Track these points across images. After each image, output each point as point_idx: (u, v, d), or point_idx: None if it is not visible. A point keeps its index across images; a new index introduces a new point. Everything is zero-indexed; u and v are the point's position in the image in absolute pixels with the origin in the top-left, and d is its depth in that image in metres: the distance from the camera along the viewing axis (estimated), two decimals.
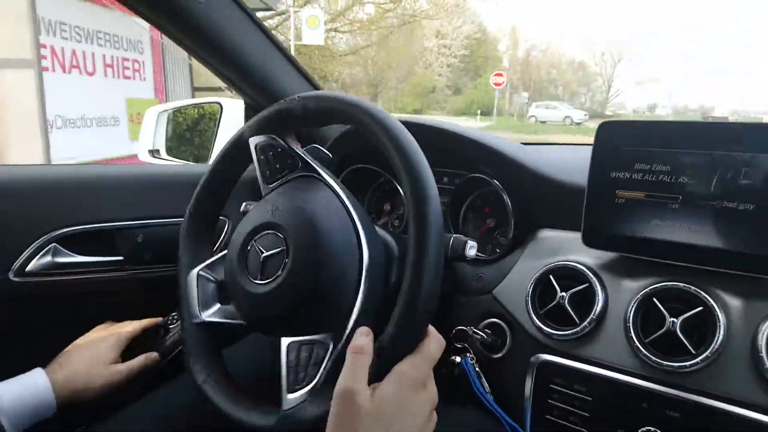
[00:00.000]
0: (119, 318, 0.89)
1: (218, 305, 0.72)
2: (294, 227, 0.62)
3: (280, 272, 0.61)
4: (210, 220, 0.79)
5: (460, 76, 34.44)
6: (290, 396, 0.57)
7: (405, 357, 0.52)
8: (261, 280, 0.63)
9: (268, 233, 0.64)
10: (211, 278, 0.73)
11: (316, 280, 0.60)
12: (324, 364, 0.57)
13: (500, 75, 23.33)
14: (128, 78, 6.73)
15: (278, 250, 0.62)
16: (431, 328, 0.55)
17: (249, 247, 0.65)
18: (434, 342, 0.55)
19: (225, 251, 0.70)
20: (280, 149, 0.69)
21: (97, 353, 0.79)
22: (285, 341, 0.59)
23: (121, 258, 0.98)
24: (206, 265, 0.73)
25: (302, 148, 0.70)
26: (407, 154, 0.57)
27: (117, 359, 0.80)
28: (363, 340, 0.53)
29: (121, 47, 6.54)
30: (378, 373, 0.52)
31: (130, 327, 0.85)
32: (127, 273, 0.99)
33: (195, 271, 0.72)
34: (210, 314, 0.70)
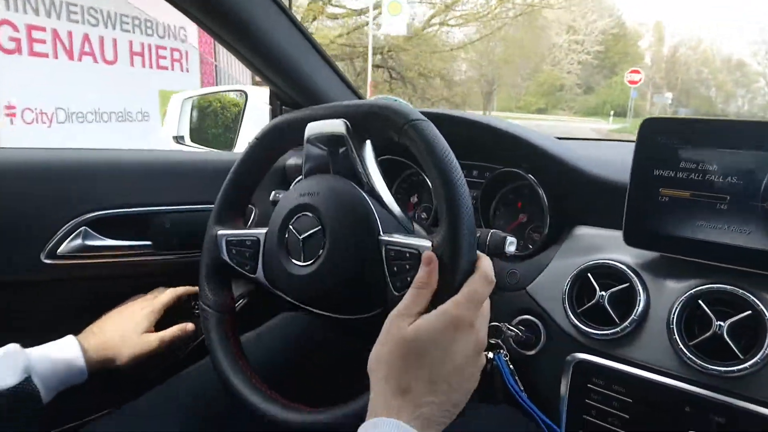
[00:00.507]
0: None
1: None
2: (329, 209, 0.65)
3: (321, 251, 0.64)
4: (247, 192, 0.81)
5: (592, 73, 31.61)
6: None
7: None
8: (303, 261, 0.64)
9: (304, 215, 0.66)
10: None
11: (355, 258, 0.62)
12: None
13: (637, 72, 21.24)
14: (164, 68, 6.08)
15: (316, 230, 0.64)
16: (478, 266, 0.55)
17: (287, 230, 0.68)
18: (479, 281, 0.53)
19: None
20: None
21: (130, 321, 0.78)
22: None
23: (149, 243, 0.98)
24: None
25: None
26: (436, 153, 0.57)
27: (150, 328, 0.79)
28: (425, 273, 0.53)
29: (156, 34, 5.89)
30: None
31: (165, 297, 0.85)
32: (156, 258, 0.99)
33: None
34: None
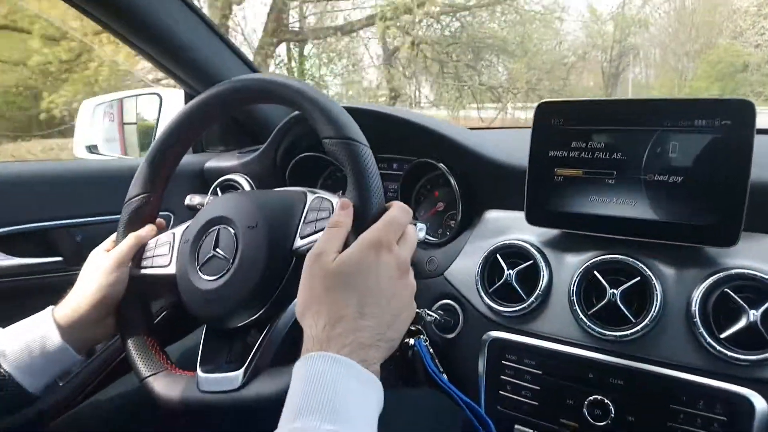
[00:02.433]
0: None
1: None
2: (239, 213, 0.63)
3: (233, 261, 0.62)
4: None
5: None
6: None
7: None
8: (210, 276, 0.62)
9: (219, 228, 0.65)
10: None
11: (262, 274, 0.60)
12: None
13: None
14: None
15: (228, 242, 0.63)
16: (396, 202, 0.57)
17: (200, 243, 0.65)
18: (396, 208, 0.55)
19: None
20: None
21: (91, 266, 0.69)
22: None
23: (60, 258, 0.94)
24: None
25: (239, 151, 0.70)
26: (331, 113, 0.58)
27: (116, 268, 0.69)
28: (341, 215, 0.54)
29: None
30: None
31: (129, 240, 0.72)
32: (69, 273, 0.95)
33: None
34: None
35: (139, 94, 1.33)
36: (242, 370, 0.59)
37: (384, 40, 8.91)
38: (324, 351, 0.47)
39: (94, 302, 0.66)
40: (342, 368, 0.46)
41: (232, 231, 0.63)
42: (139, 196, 0.72)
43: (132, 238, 0.71)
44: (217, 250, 0.63)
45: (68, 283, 0.93)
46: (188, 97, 1.24)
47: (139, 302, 0.71)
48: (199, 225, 0.66)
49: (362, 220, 0.54)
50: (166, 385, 0.63)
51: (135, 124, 1.35)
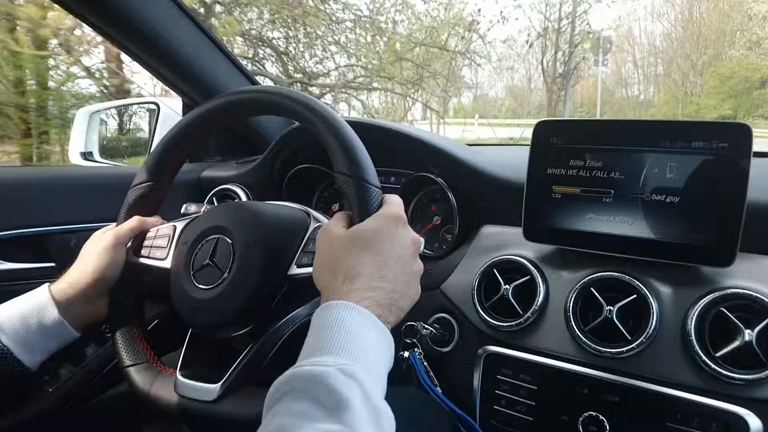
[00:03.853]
0: None
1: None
2: (238, 224, 0.64)
3: (226, 275, 0.61)
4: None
5: None
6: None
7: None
8: (203, 285, 0.62)
9: (218, 237, 0.65)
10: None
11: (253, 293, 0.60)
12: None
13: None
14: None
15: (223, 251, 0.63)
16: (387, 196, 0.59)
17: (197, 249, 0.65)
18: (392, 197, 0.59)
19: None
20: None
21: (91, 245, 0.69)
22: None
23: (53, 264, 0.93)
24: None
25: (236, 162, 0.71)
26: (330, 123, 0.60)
27: (115, 249, 0.69)
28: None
29: None
30: None
31: (131, 222, 0.72)
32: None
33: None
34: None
35: (136, 103, 1.33)
36: (220, 384, 0.59)
37: None
38: (344, 300, 0.48)
39: (90, 279, 0.66)
40: (362, 317, 0.47)
41: (230, 242, 0.63)
42: (146, 183, 0.72)
43: (135, 221, 0.71)
44: (213, 259, 0.63)
45: None
46: (186, 107, 1.24)
47: (131, 291, 0.71)
48: (200, 230, 0.66)
49: (368, 201, 0.57)
50: (144, 378, 0.63)
51: (130, 131, 1.35)
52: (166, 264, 0.68)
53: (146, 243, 0.71)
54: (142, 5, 0.88)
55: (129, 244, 0.71)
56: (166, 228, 0.71)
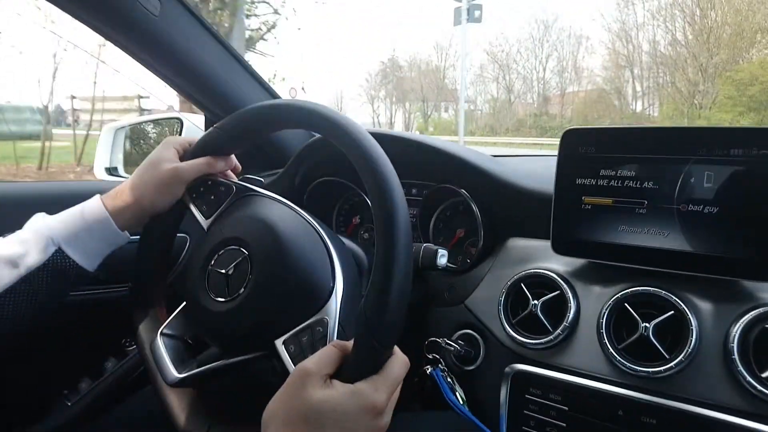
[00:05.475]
0: (71, 345, 0.84)
1: (194, 361, 0.65)
2: (257, 239, 0.61)
3: (243, 289, 0.60)
4: (159, 278, 0.75)
5: None
6: None
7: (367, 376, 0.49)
8: (224, 297, 0.61)
9: (229, 249, 0.63)
10: (176, 335, 0.67)
11: (282, 293, 0.58)
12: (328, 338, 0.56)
13: None
14: None
15: (240, 264, 0.61)
16: (397, 349, 0.52)
17: (210, 266, 0.63)
18: (398, 363, 0.52)
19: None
20: (210, 182, 0.70)
21: (154, 171, 0.70)
22: (279, 341, 0.58)
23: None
24: (168, 324, 0.67)
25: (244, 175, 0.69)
26: (372, 160, 0.55)
27: (173, 169, 0.70)
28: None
29: None
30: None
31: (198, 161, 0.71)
32: (78, 295, 0.94)
33: (158, 334, 0.66)
34: (189, 371, 0.64)
35: (161, 119, 1.34)
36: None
37: None
38: None
39: (141, 208, 0.69)
40: None
41: (247, 257, 0.61)
42: (217, 131, 0.70)
43: (204, 163, 0.70)
44: (229, 270, 0.62)
45: (76, 303, 0.93)
46: (208, 122, 1.24)
47: (164, 239, 0.73)
48: (230, 233, 0.64)
49: (371, 355, 0.50)
50: (147, 328, 0.68)
51: (154, 147, 1.36)
52: (205, 224, 0.68)
53: (201, 189, 0.70)
54: (167, 24, 0.88)
55: (190, 183, 0.70)
56: (225, 186, 0.69)
